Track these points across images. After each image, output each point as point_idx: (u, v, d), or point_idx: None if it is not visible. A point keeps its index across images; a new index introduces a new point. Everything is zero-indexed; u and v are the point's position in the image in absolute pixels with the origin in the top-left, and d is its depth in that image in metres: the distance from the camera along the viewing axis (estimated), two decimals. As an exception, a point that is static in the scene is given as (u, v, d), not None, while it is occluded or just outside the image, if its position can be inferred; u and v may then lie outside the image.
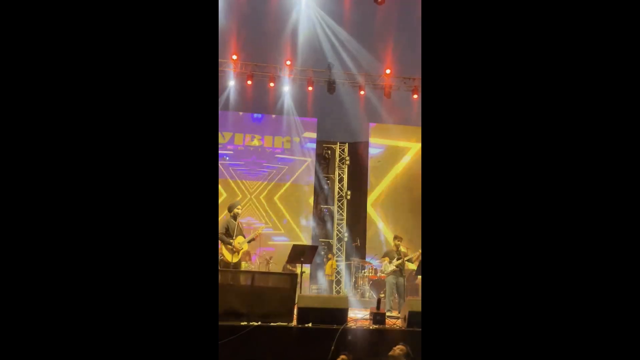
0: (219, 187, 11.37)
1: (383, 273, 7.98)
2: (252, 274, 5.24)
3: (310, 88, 11.51)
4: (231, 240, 6.01)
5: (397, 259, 7.24)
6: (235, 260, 6.04)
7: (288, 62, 11.19)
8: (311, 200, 12.11)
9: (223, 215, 6.90)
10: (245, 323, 4.71)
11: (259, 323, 4.74)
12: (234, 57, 11.04)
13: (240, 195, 11.45)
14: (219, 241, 6.04)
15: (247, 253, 6.12)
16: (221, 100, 11.27)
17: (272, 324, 4.80)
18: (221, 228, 6.10)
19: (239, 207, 6.42)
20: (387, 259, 7.47)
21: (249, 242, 6.22)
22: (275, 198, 11.83)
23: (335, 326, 4.77)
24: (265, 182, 11.85)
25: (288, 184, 11.94)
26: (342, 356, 3.86)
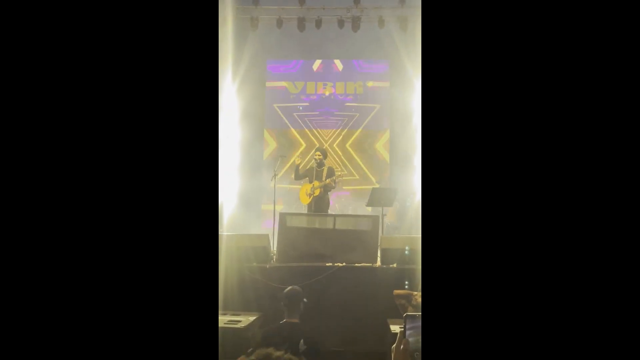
0: (298, 137, 11.55)
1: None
2: (334, 217, 5.27)
3: (381, 28, 10.95)
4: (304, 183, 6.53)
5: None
6: (306, 202, 6.50)
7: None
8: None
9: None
10: (330, 264, 4.78)
11: (344, 264, 4.79)
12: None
13: (318, 144, 11.47)
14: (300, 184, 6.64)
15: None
16: (280, 50, 11.03)
17: (356, 264, 4.84)
18: (305, 172, 6.58)
19: (317, 153, 6.63)
20: None
21: (322, 187, 6.32)
22: (347, 145, 11.73)
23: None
24: (339, 130, 11.75)
25: (359, 130, 11.75)
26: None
